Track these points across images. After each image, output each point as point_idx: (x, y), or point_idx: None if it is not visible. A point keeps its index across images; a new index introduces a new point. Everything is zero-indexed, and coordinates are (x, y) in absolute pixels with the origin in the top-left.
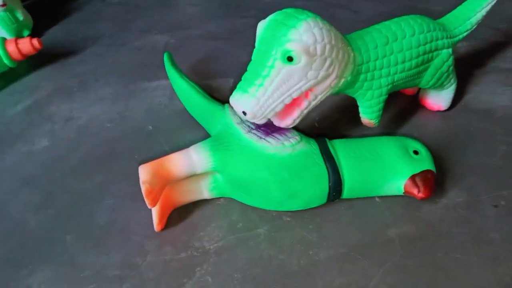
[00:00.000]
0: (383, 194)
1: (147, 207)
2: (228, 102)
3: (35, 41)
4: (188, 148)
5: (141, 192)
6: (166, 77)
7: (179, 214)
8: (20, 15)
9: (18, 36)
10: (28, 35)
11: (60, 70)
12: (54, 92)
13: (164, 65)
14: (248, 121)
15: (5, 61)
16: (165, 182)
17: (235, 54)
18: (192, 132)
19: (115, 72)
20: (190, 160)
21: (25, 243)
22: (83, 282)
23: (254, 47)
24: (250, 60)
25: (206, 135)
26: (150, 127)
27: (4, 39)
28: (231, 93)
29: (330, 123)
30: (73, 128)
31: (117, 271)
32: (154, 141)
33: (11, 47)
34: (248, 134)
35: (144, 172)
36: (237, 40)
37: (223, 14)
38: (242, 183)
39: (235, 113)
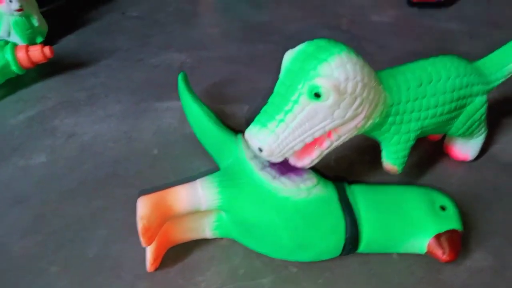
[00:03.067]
0: (402, 251)
1: None
2: (241, 131)
3: (46, 50)
4: (194, 182)
5: None
6: (179, 98)
7: (176, 253)
8: (35, 21)
9: (31, 42)
10: (41, 42)
11: (70, 81)
12: (60, 104)
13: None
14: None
15: (13, 68)
16: (165, 218)
17: (253, 79)
18: (201, 160)
19: (127, 89)
20: (196, 195)
21: (6, 271)
22: None
23: (274, 74)
24: (269, 87)
25: (215, 165)
26: (156, 151)
27: (15, 45)
28: (246, 122)
29: (348, 163)
30: (75, 145)
31: None
32: (160, 167)
33: (21, 54)
34: (261, 171)
35: (143, 206)
36: (257, 65)
37: (244, 37)
38: (249, 226)
39: (248, 146)
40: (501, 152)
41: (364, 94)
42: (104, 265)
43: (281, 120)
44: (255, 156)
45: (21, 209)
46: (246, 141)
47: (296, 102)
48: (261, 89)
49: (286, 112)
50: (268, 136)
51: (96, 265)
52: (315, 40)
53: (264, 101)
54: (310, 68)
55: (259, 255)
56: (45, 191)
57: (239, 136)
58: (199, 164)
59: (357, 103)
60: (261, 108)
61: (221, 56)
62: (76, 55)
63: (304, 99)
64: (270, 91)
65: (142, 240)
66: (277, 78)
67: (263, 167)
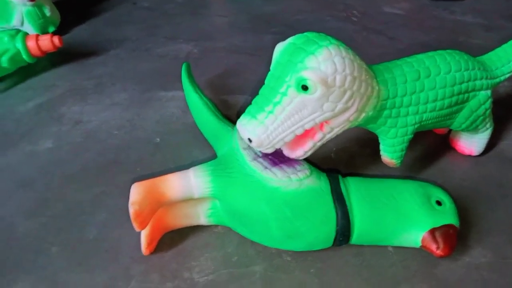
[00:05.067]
0: (397, 244)
1: None
2: None
3: (55, 39)
4: (187, 170)
5: None
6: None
7: (171, 238)
8: (47, 11)
9: (44, 31)
10: (53, 32)
11: (79, 70)
12: (69, 92)
13: None
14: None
15: (24, 56)
16: (157, 204)
17: (258, 71)
18: (200, 150)
19: (134, 78)
20: (188, 183)
21: (11, 249)
22: None
23: None
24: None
25: (214, 155)
26: (158, 139)
27: (25, 34)
28: (237, 114)
29: (348, 156)
30: (80, 132)
31: None
32: (160, 155)
33: (31, 43)
34: (253, 162)
35: (135, 192)
36: (262, 56)
37: (251, 28)
38: (240, 216)
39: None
40: (508, 148)
41: (355, 88)
42: (102, 247)
43: (270, 112)
44: (249, 147)
45: (26, 192)
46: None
47: (284, 94)
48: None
49: (275, 104)
50: (257, 127)
51: (94, 248)
52: (305, 33)
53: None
54: (298, 61)
55: (253, 243)
56: (50, 176)
57: (236, 127)
58: (198, 153)
59: (347, 96)
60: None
61: (227, 47)
62: (87, 45)
63: (292, 91)
64: None
65: (134, 225)
66: None
67: (255, 158)
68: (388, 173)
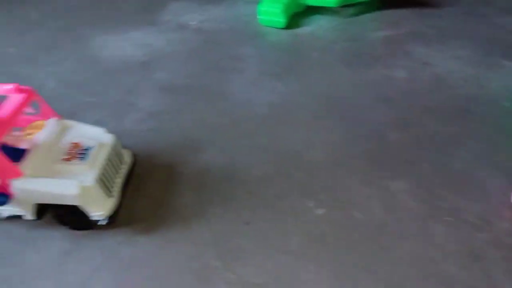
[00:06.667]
0: None
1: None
2: None
3: None
4: None
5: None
6: None
7: None
8: None
9: None
10: None
11: (417, 16)
12: (411, 33)
13: None
14: None
15: None
16: None
17: None
18: None
19: (471, 39)
20: None
21: (384, 153)
22: (440, 211)
23: None
24: None
25: None
26: (508, 104)
27: None
28: None
29: None
30: (429, 73)
31: (473, 219)
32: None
33: None
34: None
35: None
36: None
37: None
38: None
39: None
40: None
41: None
42: (470, 180)
43: None
44: None
45: (387, 108)
46: None
47: None
48: None
49: None
50: None
51: (462, 177)
52: None
53: None
54: None
55: None
56: (406, 100)
57: None
58: None
59: None
60: None
61: None
62: None
63: None
64: None
65: None
66: None
67: None
68: None
